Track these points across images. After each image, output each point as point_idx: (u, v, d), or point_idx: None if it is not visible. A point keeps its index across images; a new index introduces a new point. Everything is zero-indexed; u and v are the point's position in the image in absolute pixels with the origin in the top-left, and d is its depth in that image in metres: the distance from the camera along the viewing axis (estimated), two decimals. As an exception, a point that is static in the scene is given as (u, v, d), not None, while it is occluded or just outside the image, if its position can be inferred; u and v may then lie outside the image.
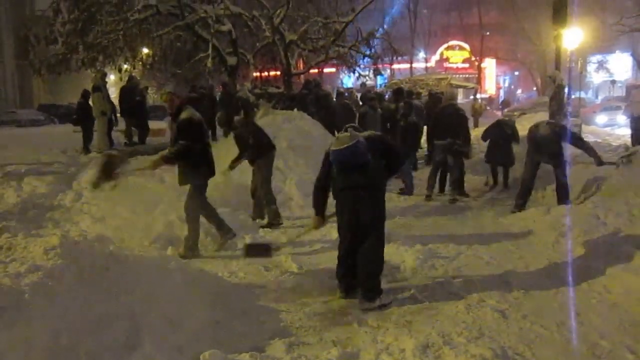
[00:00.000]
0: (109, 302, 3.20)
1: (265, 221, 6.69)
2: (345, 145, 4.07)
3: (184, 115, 5.41)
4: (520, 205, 7.21)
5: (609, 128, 22.08)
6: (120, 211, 6.74)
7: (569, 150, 7.42)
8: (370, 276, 4.17)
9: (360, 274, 4.20)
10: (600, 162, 7.03)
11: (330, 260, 5.29)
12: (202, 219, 5.72)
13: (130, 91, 12.44)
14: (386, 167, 4.35)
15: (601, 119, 24.47)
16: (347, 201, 4.23)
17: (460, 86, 29.10)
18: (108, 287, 3.30)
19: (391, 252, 5.05)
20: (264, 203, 6.72)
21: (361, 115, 10.60)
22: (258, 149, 6.68)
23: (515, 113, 21.52)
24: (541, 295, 4.28)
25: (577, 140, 7.26)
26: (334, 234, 6.21)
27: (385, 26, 28.44)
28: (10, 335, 2.68)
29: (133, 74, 13.64)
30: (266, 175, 6.73)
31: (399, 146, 4.32)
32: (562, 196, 6.98)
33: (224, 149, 9.27)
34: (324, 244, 5.85)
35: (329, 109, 11.75)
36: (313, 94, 12.21)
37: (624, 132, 17.56)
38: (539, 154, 7.18)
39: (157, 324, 3.30)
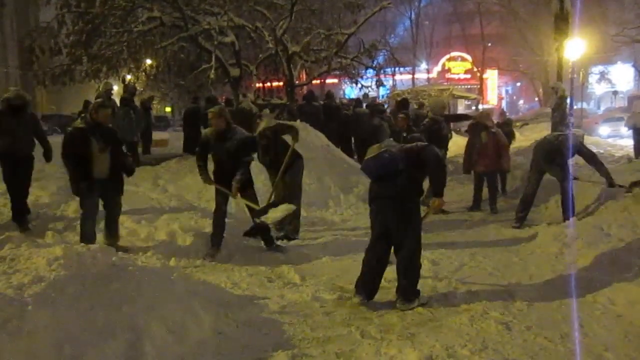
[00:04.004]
0: (111, 313, 3.20)
1: (281, 233, 6.61)
2: (371, 155, 4.31)
3: (245, 133, 5.85)
4: (522, 219, 7.17)
5: (612, 139, 22.08)
6: (122, 221, 6.75)
7: (575, 165, 7.39)
8: (410, 282, 4.30)
9: (400, 280, 4.33)
10: (611, 184, 6.85)
11: (333, 271, 5.30)
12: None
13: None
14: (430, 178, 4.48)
15: (604, 130, 24.48)
16: (379, 210, 4.37)
17: (462, 97, 29.18)
18: (111, 298, 3.30)
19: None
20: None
21: (374, 127, 10.78)
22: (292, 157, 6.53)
23: (518, 123, 21.56)
24: (545, 306, 4.26)
25: (590, 158, 7.05)
26: (336, 246, 6.25)
27: (387, 37, 28.47)
28: (13, 346, 2.68)
29: (131, 83, 13.71)
30: (297, 185, 6.67)
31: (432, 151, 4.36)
32: (567, 210, 6.93)
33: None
34: (326, 256, 5.84)
35: (339, 121, 11.92)
36: (325, 105, 12.38)
37: (627, 143, 17.56)
38: (549, 165, 7.09)
39: (160, 335, 3.29)
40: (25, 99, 6.69)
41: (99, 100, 6.19)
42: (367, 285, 4.40)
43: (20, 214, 6.73)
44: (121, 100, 11.62)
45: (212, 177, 5.96)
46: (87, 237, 5.67)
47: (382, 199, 4.32)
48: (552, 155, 7.01)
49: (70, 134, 5.74)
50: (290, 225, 6.60)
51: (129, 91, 12.78)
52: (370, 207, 4.48)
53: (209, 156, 6.00)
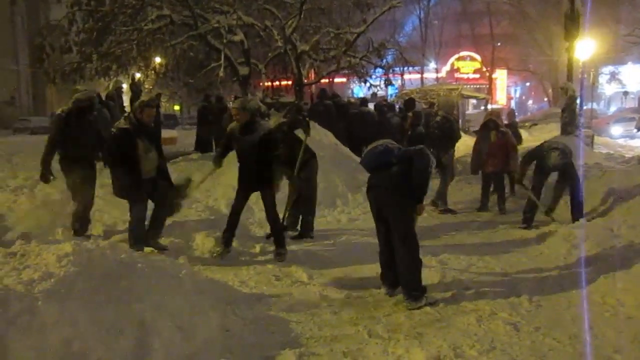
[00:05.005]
0: (120, 310, 3.21)
1: (295, 233, 6.60)
2: (368, 148, 4.58)
3: (267, 127, 5.80)
4: (529, 219, 7.13)
5: (623, 140, 21.94)
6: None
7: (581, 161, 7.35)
8: (407, 276, 4.32)
9: (399, 275, 4.39)
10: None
11: (340, 271, 5.29)
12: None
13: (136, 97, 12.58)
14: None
15: (616, 130, 24.37)
16: (372, 199, 4.53)
17: (471, 97, 29.03)
18: (119, 295, 3.31)
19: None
20: (302, 212, 6.62)
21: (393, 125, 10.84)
22: (307, 155, 6.52)
23: (527, 124, 21.45)
24: (554, 307, 4.25)
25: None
26: (343, 245, 6.25)
27: (396, 37, 28.43)
28: (22, 342, 2.70)
29: (140, 81, 13.73)
30: (313, 184, 6.65)
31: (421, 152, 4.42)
32: (577, 213, 6.88)
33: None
34: (334, 255, 5.84)
35: (346, 120, 11.93)
36: (333, 104, 12.40)
37: (638, 144, 17.45)
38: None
39: (168, 332, 3.30)
40: (92, 100, 6.30)
41: (144, 99, 5.92)
42: (387, 275, 4.53)
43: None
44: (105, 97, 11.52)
45: (237, 174, 5.85)
46: (140, 241, 5.52)
47: (375, 187, 4.47)
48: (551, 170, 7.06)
49: (115, 136, 5.54)
50: (304, 225, 6.60)
51: (135, 90, 12.82)
52: (367, 197, 4.63)
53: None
